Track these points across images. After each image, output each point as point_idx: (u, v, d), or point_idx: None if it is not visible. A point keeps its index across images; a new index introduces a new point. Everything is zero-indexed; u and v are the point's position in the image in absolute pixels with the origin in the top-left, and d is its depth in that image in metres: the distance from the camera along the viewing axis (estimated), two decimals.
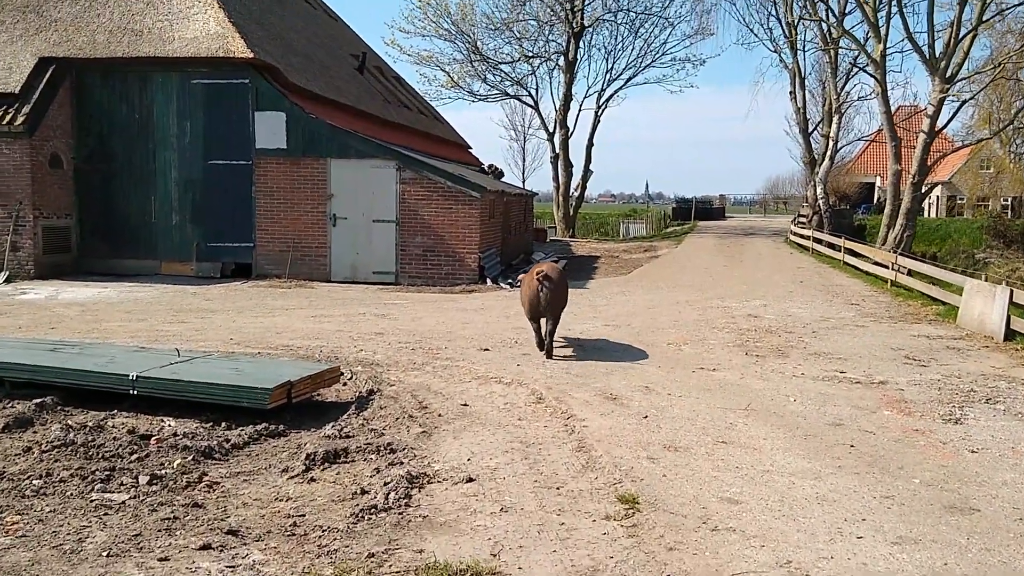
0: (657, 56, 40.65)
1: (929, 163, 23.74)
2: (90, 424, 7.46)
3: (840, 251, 25.98)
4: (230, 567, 4.68)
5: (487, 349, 10.87)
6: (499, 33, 39.72)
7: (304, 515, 5.47)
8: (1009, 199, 62.23)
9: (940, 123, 24.02)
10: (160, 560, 4.76)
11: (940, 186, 73.46)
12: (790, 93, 37.28)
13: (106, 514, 5.45)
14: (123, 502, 5.75)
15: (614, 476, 6.07)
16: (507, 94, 41.51)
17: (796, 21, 34.24)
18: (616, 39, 43.16)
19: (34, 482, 5.98)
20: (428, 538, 5.05)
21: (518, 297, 14.59)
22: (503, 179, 33.92)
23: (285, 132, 18.56)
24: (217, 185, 18.94)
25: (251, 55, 18.07)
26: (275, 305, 15.05)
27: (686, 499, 5.69)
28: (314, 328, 12.47)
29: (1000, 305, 12.62)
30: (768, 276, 21.75)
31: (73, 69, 18.95)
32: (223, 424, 7.56)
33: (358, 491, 5.89)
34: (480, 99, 40.89)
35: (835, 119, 31.80)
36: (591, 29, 39.86)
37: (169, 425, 7.63)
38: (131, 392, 7.95)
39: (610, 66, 41.24)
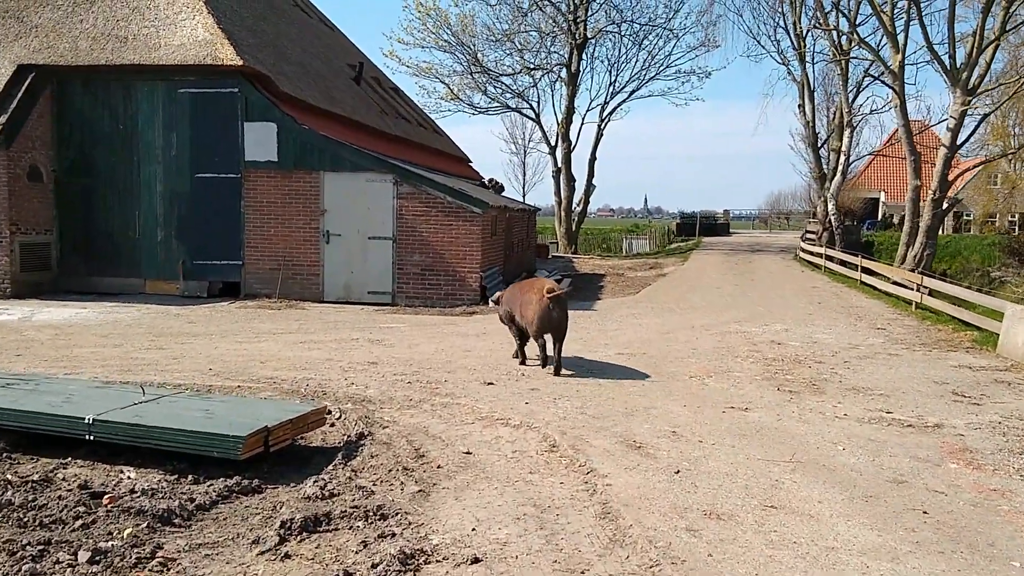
0: (661, 68, 39.85)
1: (950, 178, 22.76)
2: (35, 477, 6.44)
3: (856, 270, 24.99)
4: None
5: (491, 383, 9.83)
6: (500, 44, 38.90)
7: None
8: (1016, 215, 61.25)
9: (960, 137, 23.02)
10: None
11: (946, 202, 72.69)
12: (798, 106, 36.41)
13: None
14: None
15: (649, 556, 5.03)
16: (508, 107, 40.62)
17: (805, 32, 33.38)
18: (620, 51, 42.43)
19: None
20: None
21: None
22: (503, 194, 32.96)
23: (276, 143, 17.56)
24: (204, 199, 17.94)
25: (240, 62, 17.10)
26: (262, 329, 14.01)
27: None
28: (302, 356, 11.43)
29: None
30: (783, 297, 20.74)
31: (54, 77, 17.98)
32: (190, 476, 6.53)
33: (340, 574, 4.85)
34: (480, 112, 40.01)
35: (846, 132, 30.86)
36: (594, 41, 39.04)
37: (128, 477, 6.60)
38: (87, 437, 6.94)
39: (613, 78, 40.43)
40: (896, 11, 23.11)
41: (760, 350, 12.74)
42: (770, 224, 74.68)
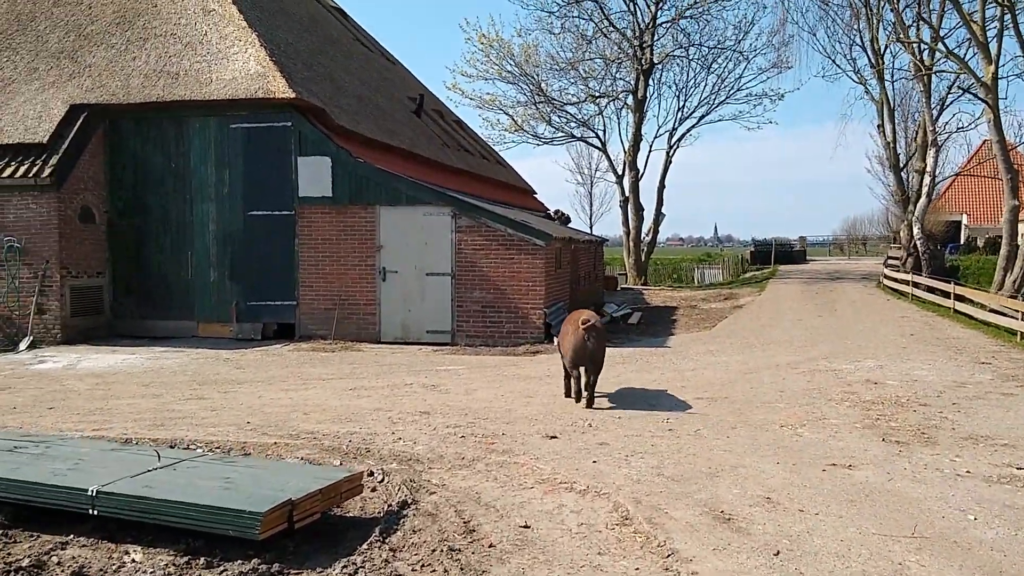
0: (732, 92, 38.53)
1: None
2: (26, 563, 5.59)
3: (948, 297, 23.34)
4: None
5: (555, 436, 8.76)
6: (564, 73, 38.13)
7: None
8: None
9: None
10: None
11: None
12: (877, 127, 34.87)
13: None
14: None
15: None
16: (573, 136, 39.74)
17: (883, 48, 31.89)
18: (687, 75, 41.30)
19: None
20: None
21: None
22: (570, 225, 31.98)
23: (331, 178, 16.86)
24: (258, 238, 17.30)
25: (293, 95, 16.48)
26: (312, 374, 13.17)
27: None
28: (349, 406, 10.52)
29: None
30: (872, 328, 19.28)
31: (106, 117, 17.59)
32: (203, 559, 5.62)
33: None
34: (545, 142, 39.18)
35: (931, 152, 29.18)
36: (661, 66, 37.97)
37: (133, 560, 5.71)
38: (90, 512, 6.08)
39: (682, 103, 39.22)
40: (987, 20, 21.63)
41: (855, 391, 11.45)
42: (847, 250, 72.17)
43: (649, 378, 12.59)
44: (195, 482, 6.27)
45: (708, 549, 5.58)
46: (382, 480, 7.32)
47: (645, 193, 38.49)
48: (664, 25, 36.67)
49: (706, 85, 39.11)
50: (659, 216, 39.39)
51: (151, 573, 5.43)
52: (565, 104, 38.46)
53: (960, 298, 22.26)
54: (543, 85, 37.90)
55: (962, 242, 65.62)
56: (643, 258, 38.92)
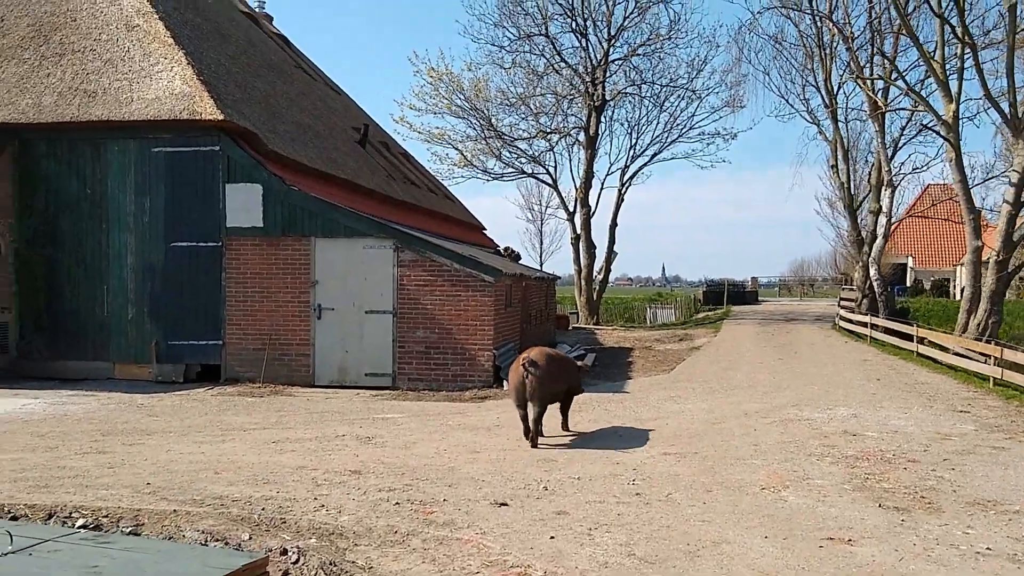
0: (684, 130, 37.76)
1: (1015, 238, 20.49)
2: None
3: (908, 340, 22.59)
4: None
5: (505, 504, 7.50)
6: (515, 109, 37.09)
7: None
8: None
9: None
10: None
11: None
12: (831, 167, 34.42)
13: None
14: None
15: None
16: (523, 172, 38.68)
17: (837, 88, 31.48)
18: (640, 113, 40.31)
19: None
20: None
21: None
22: (520, 262, 30.89)
23: (262, 207, 15.56)
24: (181, 272, 15.87)
25: (221, 117, 15.20)
26: (232, 423, 11.77)
27: None
28: (269, 463, 9.16)
29: None
30: (836, 373, 18.34)
31: (15, 137, 16.09)
32: None
33: None
34: (495, 178, 38.11)
35: (887, 192, 28.68)
36: (613, 103, 37.20)
37: None
38: None
39: (634, 141, 38.38)
40: (947, 57, 21.09)
41: (835, 444, 10.38)
42: (797, 292, 72.15)
43: (612, 425, 11.41)
44: (49, 575, 4.93)
45: None
46: (297, 561, 6.02)
47: (597, 231, 37.55)
48: (616, 62, 35.99)
49: (658, 123, 38.40)
50: (611, 254, 38.48)
51: None
52: (516, 139, 37.49)
53: (923, 341, 21.50)
54: (493, 120, 36.90)
55: (908, 284, 66.00)
56: (595, 297, 37.92)
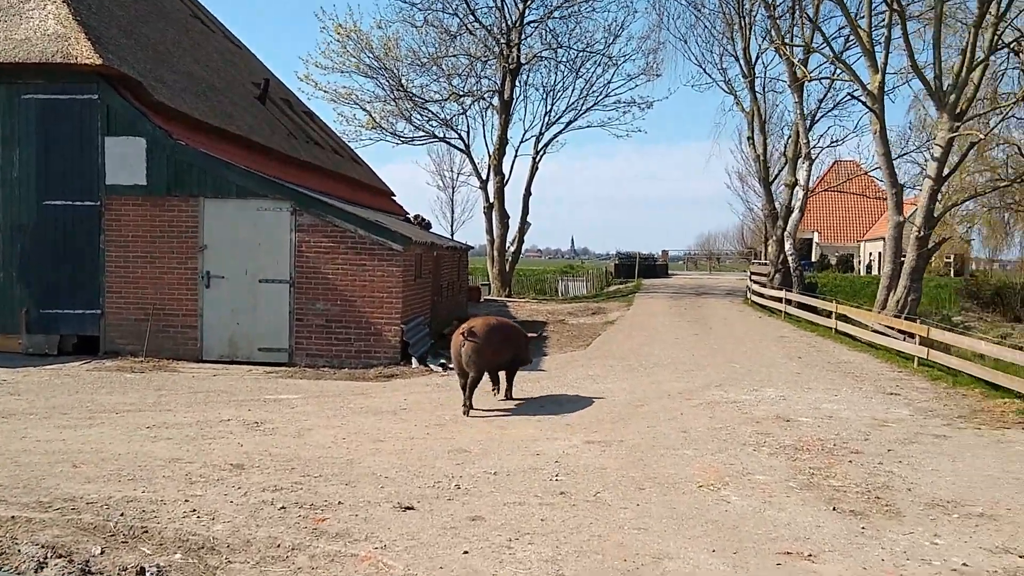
0: (600, 98, 36.95)
1: (936, 215, 20.20)
2: None
3: (825, 315, 22.25)
4: None
5: (410, 507, 6.44)
6: (426, 69, 35.62)
7: None
8: (951, 257, 59.76)
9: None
10: None
11: (882, 242, 71.68)
12: (748, 139, 34.05)
13: None
14: None
15: None
16: (435, 136, 37.30)
17: (755, 58, 31.02)
18: (556, 78, 39.39)
19: None
20: None
21: (455, 387, 10.99)
22: (431, 231, 29.67)
23: (145, 163, 14.05)
24: (55, 233, 14.27)
25: (100, 61, 13.61)
26: (104, 404, 10.40)
27: None
28: (139, 454, 7.91)
29: None
30: (756, 350, 17.77)
31: None
32: None
33: None
34: (404, 141, 36.62)
35: (805, 165, 28.33)
36: (528, 67, 36.06)
37: None
38: None
39: (549, 107, 37.41)
40: (874, 26, 20.55)
41: (769, 432, 9.61)
42: (708, 266, 72.56)
43: (526, 413, 10.43)
44: None
45: None
46: None
47: (510, 201, 36.48)
48: (532, 24, 34.84)
49: (574, 89, 37.52)
50: (525, 224, 37.51)
51: None
52: (427, 102, 36.05)
53: (842, 317, 21.16)
54: (404, 81, 35.37)
55: (814, 259, 66.98)
56: (508, 268, 36.94)
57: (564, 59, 36.24)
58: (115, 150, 14.05)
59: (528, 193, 37.34)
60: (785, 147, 34.08)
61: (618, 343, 18.71)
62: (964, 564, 5.57)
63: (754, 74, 31.43)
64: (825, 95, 31.24)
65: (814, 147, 30.19)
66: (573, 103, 37.22)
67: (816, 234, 73.64)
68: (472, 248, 31.79)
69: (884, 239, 70.33)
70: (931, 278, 47.44)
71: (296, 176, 19.27)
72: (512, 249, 37.49)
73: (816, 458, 8.41)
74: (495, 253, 36.42)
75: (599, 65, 36.43)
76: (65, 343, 14.45)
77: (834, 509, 6.69)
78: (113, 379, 12.26)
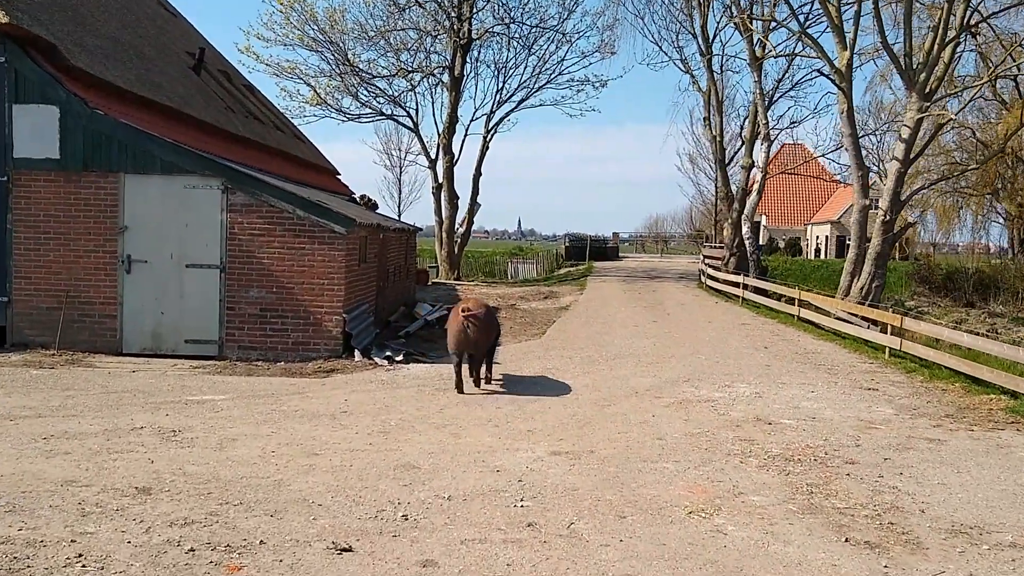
0: (553, 75, 35.86)
1: (903, 198, 19.49)
2: None
3: (791, 303, 21.48)
4: None
5: (348, 548, 5.33)
6: (373, 44, 34.18)
7: None
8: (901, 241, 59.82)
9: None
10: None
11: (829, 225, 71.79)
12: (703, 119, 33.26)
13: None
14: None
15: None
16: (382, 113, 35.86)
17: (713, 35, 30.17)
18: (507, 55, 38.07)
19: None
20: None
21: (401, 384, 10.35)
22: (378, 212, 28.38)
23: (58, 134, 12.65)
24: None
25: (6, 20, 12.15)
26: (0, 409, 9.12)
27: None
28: (26, 473, 6.68)
29: None
30: (719, 339, 16.90)
31: None
32: None
33: None
34: (351, 118, 35.14)
35: (763, 146, 27.55)
36: (479, 43, 34.82)
37: None
38: None
39: (500, 85, 36.21)
40: (843, 2, 19.74)
41: (752, 438, 8.67)
42: (658, 248, 71.98)
43: (482, 416, 9.36)
44: None
45: None
46: None
47: (460, 181, 35.25)
48: None
49: (527, 66, 36.36)
50: (475, 206, 36.34)
51: None
52: (374, 77, 34.62)
53: (804, 304, 20.41)
54: (350, 55, 33.89)
55: (762, 243, 66.76)
56: (457, 250, 35.77)
57: (517, 35, 35.12)
58: (24, 119, 12.63)
59: (478, 173, 36.21)
60: (742, 128, 33.36)
61: (574, 331, 17.72)
62: None
63: (711, 53, 30.60)
64: (783, 75, 30.61)
65: (772, 128, 29.44)
66: (525, 81, 36.13)
67: (764, 217, 73.59)
68: (421, 230, 30.60)
69: (830, 223, 70.94)
70: None
71: (233, 152, 17.90)
72: (461, 231, 36.33)
73: (811, 471, 7.47)
74: (444, 235, 35.25)
75: (552, 42, 35.37)
76: None
77: (846, 540, 5.74)
78: (16, 376, 10.92)
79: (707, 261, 35.58)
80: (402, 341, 15.07)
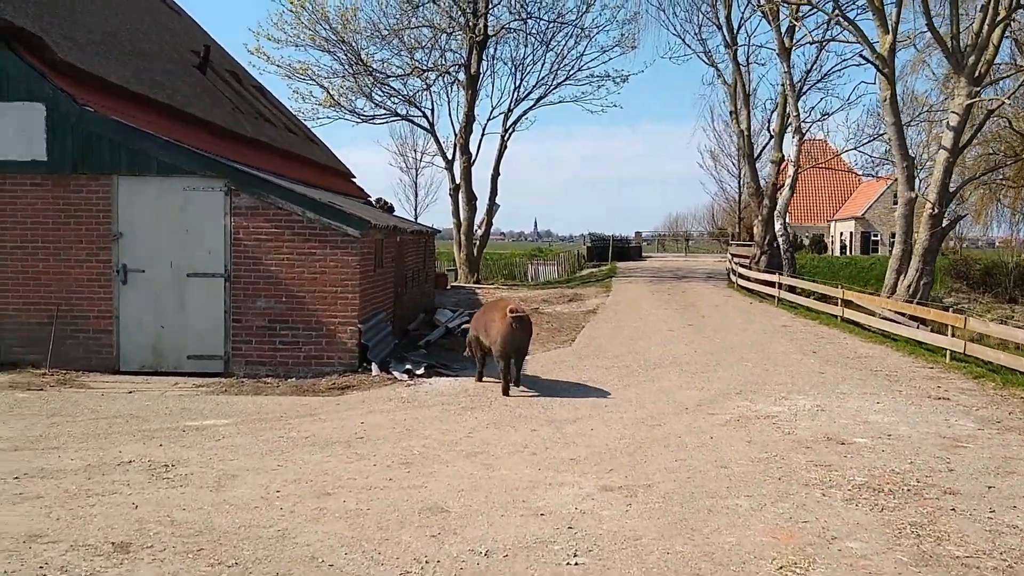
0: (572, 72, 34.74)
1: (952, 189, 18.24)
2: None
3: (831, 302, 20.26)
4: None
5: None
6: (387, 42, 33.17)
7: None
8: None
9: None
10: None
11: (853, 221, 70.30)
12: (730, 113, 32.03)
13: None
14: None
15: None
16: (397, 114, 34.79)
17: (738, 26, 28.97)
18: (525, 51, 36.91)
19: None
20: None
21: (423, 403, 9.25)
22: (394, 215, 27.32)
23: (45, 134, 11.64)
24: None
25: None
26: None
27: None
28: None
29: None
30: (762, 344, 15.75)
31: None
32: None
33: None
34: (365, 120, 34.09)
35: (795, 139, 26.32)
36: (496, 39, 33.74)
37: None
38: None
39: (518, 83, 35.11)
40: None
41: (828, 463, 7.53)
42: (685, 247, 70.57)
43: (517, 441, 8.25)
44: None
45: None
46: None
47: (477, 181, 34.19)
48: None
49: (545, 63, 35.26)
50: (493, 206, 35.25)
51: None
52: (388, 77, 33.60)
53: (847, 303, 19.19)
54: (363, 55, 32.89)
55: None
56: (476, 252, 34.65)
57: (534, 30, 33.99)
58: (8, 118, 11.62)
59: (496, 173, 35.10)
60: (769, 122, 32.09)
61: (606, 337, 16.60)
62: None
63: (737, 44, 29.39)
64: (812, 65, 29.33)
65: (803, 121, 28.20)
66: (544, 77, 34.98)
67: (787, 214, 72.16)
68: (439, 232, 29.54)
69: (855, 219, 69.40)
70: None
71: (242, 155, 16.86)
72: (480, 232, 35.24)
73: (908, 505, 6.33)
74: (462, 237, 34.15)
75: (571, 37, 34.21)
76: None
77: None
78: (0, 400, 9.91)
79: (736, 260, 34.38)
80: (423, 352, 14.00)
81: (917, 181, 18.76)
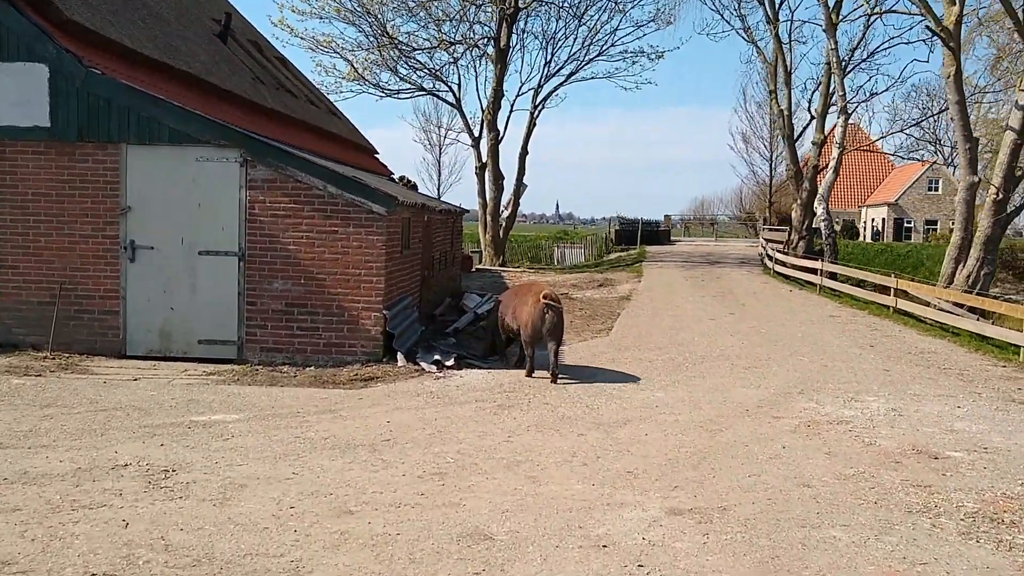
0: (605, 47, 33.63)
1: (1019, 174, 17.03)
2: None
3: (884, 292, 19.10)
4: None
5: None
6: (413, 15, 32.17)
7: None
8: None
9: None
10: None
11: (886, 207, 68.72)
12: (769, 92, 30.82)
13: None
14: None
15: None
16: (423, 88, 33.84)
17: (780, 2, 27.70)
18: (556, 25, 35.75)
19: None
20: None
21: (454, 399, 8.40)
22: (418, 193, 26.34)
23: (48, 99, 10.73)
24: None
25: None
26: None
27: None
28: None
29: None
30: (812, 335, 14.72)
31: None
32: None
33: None
34: (389, 94, 33.15)
35: (840, 119, 25.08)
36: (526, 12, 32.61)
37: None
38: None
39: (549, 57, 34.01)
40: None
41: (926, 482, 6.52)
42: (715, 232, 69.13)
43: (563, 448, 7.27)
44: None
45: None
46: None
47: (503, 161, 33.15)
48: None
49: (576, 38, 34.15)
50: (520, 187, 34.25)
51: None
52: (414, 50, 32.59)
53: (899, 293, 18.08)
54: (389, 27, 31.91)
55: (814, 226, 63.84)
56: (501, 234, 33.70)
57: (566, 4, 32.87)
58: (8, 81, 10.71)
59: (524, 152, 34.10)
60: (810, 102, 30.81)
61: (645, 327, 15.59)
62: None
63: (779, 19, 28.13)
64: (858, 43, 28.02)
65: (851, 100, 26.96)
66: (575, 53, 33.95)
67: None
68: (467, 211, 28.56)
69: (887, 205, 67.77)
70: (942, 245, 44.50)
71: (261, 126, 15.91)
72: (507, 213, 34.26)
73: None
74: (488, 218, 33.17)
75: (604, 11, 33.08)
76: None
77: None
78: None
79: (771, 245, 33.21)
80: (452, 341, 13.04)
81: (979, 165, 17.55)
